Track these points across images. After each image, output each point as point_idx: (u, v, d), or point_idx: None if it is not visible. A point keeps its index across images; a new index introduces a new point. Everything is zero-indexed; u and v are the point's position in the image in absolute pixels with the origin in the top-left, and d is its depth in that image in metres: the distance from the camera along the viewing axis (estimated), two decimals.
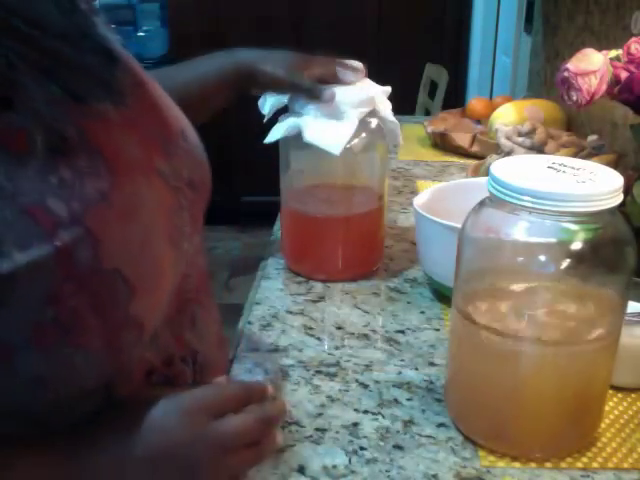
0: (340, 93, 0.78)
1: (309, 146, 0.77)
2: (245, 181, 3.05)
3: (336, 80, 0.80)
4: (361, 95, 0.79)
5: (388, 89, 0.96)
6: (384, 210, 0.89)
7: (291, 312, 0.78)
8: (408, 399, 0.63)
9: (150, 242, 0.42)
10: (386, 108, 0.83)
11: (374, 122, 0.82)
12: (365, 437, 0.58)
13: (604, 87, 0.78)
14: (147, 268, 0.41)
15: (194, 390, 0.46)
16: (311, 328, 0.75)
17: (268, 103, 0.84)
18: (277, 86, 0.79)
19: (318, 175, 0.89)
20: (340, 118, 0.77)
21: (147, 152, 0.44)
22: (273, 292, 0.83)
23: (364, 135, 0.80)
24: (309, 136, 0.76)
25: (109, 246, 0.38)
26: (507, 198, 0.50)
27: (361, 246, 0.87)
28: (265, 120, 0.82)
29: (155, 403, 0.44)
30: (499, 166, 0.53)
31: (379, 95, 0.81)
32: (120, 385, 0.45)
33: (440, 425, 0.59)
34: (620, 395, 0.63)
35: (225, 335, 0.60)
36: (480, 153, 1.35)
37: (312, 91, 0.76)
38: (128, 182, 0.41)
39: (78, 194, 0.37)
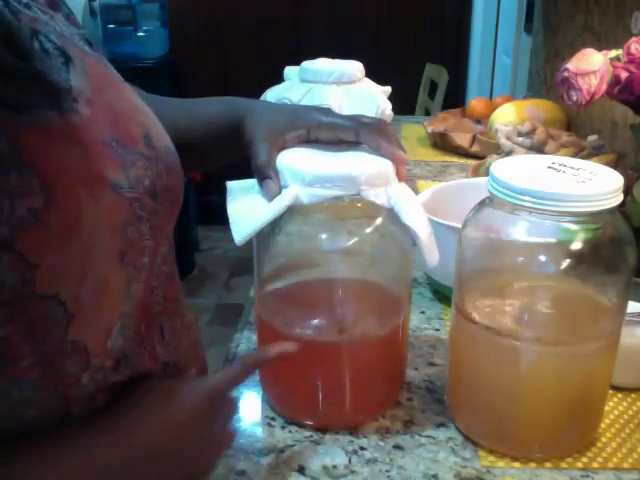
0: (295, 157, 0.55)
1: (300, 215, 0.55)
2: None
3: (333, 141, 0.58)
4: (333, 170, 0.53)
5: (388, 89, 0.96)
6: (408, 322, 0.62)
7: None
8: (408, 399, 0.63)
9: (92, 261, 0.39)
10: (401, 205, 0.53)
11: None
12: (365, 437, 0.58)
13: (604, 87, 0.78)
14: (88, 290, 0.39)
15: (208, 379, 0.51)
16: None
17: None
18: (248, 150, 0.59)
19: (310, 266, 0.60)
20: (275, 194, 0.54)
21: (95, 163, 0.40)
22: None
23: (380, 220, 0.55)
24: (230, 208, 0.56)
25: (45, 270, 0.36)
26: (507, 198, 0.50)
27: (374, 381, 0.60)
28: None
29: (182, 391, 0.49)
30: (499, 166, 0.53)
31: (377, 179, 0.53)
32: (79, 411, 0.43)
33: (440, 425, 0.59)
34: (620, 395, 0.63)
35: (198, 338, 0.59)
36: (480, 153, 1.36)
37: (258, 172, 0.56)
38: (66, 198, 0.37)
39: (7, 217, 0.35)
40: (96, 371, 0.42)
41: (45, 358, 0.38)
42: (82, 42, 0.46)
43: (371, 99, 0.91)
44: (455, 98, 2.74)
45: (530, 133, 1.14)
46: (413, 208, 0.54)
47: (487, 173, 0.54)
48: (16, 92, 0.37)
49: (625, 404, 0.62)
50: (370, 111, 0.88)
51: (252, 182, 0.57)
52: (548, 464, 0.55)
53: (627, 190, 0.73)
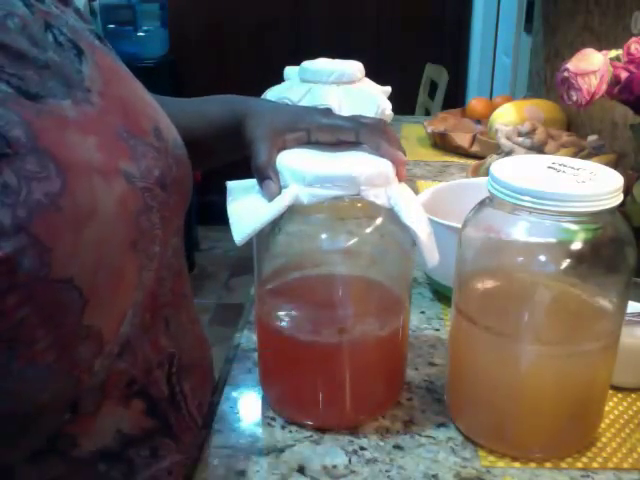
0: (296, 157, 0.55)
1: (300, 215, 0.55)
2: None
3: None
4: (333, 170, 0.52)
5: (388, 89, 0.96)
6: (408, 323, 0.62)
7: None
8: (408, 399, 0.62)
9: (107, 248, 0.39)
10: (401, 206, 0.53)
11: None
12: (365, 437, 0.58)
13: (604, 87, 0.78)
14: (103, 276, 0.39)
15: None
16: None
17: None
18: (248, 150, 0.59)
19: (310, 266, 0.60)
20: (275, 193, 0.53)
21: (109, 152, 0.41)
22: None
23: (380, 220, 0.55)
24: (230, 208, 0.55)
25: (60, 254, 0.36)
26: (507, 198, 0.50)
27: (374, 381, 0.60)
28: None
29: None
30: (499, 166, 0.53)
31: (376, 181, 0.53)
32: (89, 399, 0.44)
33: (440, 425, 0.59)
34: (620, 395, 0.63)
35: (204, 334, 0.59)
36: (480, 153, 1.36)
37: (258, 172, 0.55)
38: (81, 185, 0.38)
39: (24, 200, 0.35)
40: (106, 357, 0.43)
41: (60, 341, 0.38)
42: (92, 36, 0.46)
43: (371, 99, 0.91)
44: (455, 98, 2.74)
45: (530, 133, 1.14)
46: (413, 208, 0.54)
47: (487, 173, 0.54)
48: (33, 80, 0.38)
49: (625, 404, 0.62)
50: (370, 111, 0.88)
51: (252, 182, 0.56)
52: (548, 464, 0.55)
53: (627, 190, 0.73)
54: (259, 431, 0.58)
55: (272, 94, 0.93)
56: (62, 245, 0.36)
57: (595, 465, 0.54)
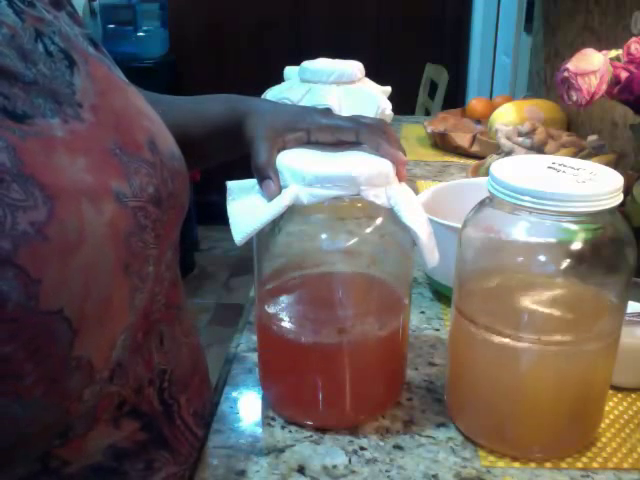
0: (295, 157, 0.55)
1: (300, 215, 0.55)
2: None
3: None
4: (333, 170, 0.52)
5: (388, 89, 0.96)
6: (408, 323, 0.61)
7: None
8: (408, 399, 0.62)
9: (96, 274, 0.37)
10: (401, 203, 0.53)
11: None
12: (365, 437, 0.58)
13: (604, 87, 0.78)
14: (92, 304, 0.37)
15: None
16: None
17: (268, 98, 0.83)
18: (248, 149, 0.59)
19: (310, 266, 0.60)
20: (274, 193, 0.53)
21: (99, 172, 0.39)
22: None
23: (380, 220, 0.55)
24: (230, 208, 0.56)
25: (48, 285, 0.35)
26: (507, 198, 0.50)
27: (374, 381, 0.59)
28: None
29: None
30: (499, 166, 0.53)
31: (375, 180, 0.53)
32: (79, 425, 0.43)
33: (440, 425, 0.59)
34: (620, 395, 0.63)
35: (199, 343, 0.58)
36: (480, 153, 1.36)
37: (258, 172, 0.55)
38: (69, 211, 0.36)
39: (8, 231, 0.33)
40: (97, 384, 0.41)
41: (49, 375, 0.36)
42: (86, 42, 0.45)
43: (371, 99, 0.91)
44: (455, 98, 2.74)
45: (530, 133, 1.14)
46: (413, 208, 0.54)
47: (487, 173, 0.54)
48: (20, 99, 0.37)
49: (625, 404, 0.62)
50: (370, 111, 0.88)
51: (252, 182, 0.56)
52: (548, 464, 0.55)
53: (627, 190, 0.73)
54: (259, 431, 0.58)
55: (272, 94, 0.93)
56: (50, 276, 0.35)
57: (595, 465, 0.54)
